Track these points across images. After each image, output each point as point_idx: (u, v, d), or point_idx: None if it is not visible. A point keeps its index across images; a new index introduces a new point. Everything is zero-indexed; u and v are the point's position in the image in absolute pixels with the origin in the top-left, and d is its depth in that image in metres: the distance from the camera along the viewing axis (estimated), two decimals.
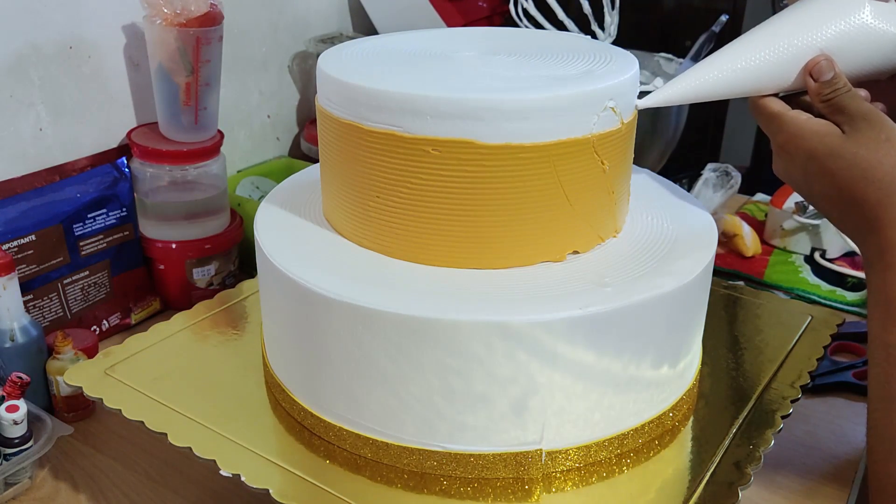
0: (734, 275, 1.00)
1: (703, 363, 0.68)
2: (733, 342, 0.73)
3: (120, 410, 0.61)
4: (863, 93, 0.58)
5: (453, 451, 0.55)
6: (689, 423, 0.62)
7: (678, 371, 0.60)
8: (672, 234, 0.62)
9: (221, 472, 0.54)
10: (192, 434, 0.59)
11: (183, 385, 0.65)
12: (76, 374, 0.66)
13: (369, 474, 0.56)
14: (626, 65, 0.59)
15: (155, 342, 0.71)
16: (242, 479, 0.54)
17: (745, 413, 0.62)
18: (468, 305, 0.52)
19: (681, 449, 0.59)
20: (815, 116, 0.57)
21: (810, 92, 0.58)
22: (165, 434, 0.59)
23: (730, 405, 0.64)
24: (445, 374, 0.52)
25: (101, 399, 0.63)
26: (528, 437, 0.55)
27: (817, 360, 0.70)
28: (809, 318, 0.77)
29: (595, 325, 0.52)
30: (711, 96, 0.61)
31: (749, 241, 1.04)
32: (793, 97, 0.60)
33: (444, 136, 0.53)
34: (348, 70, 0.57)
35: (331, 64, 0.59)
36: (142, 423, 0.60)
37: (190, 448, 0.57)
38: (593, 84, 0.55)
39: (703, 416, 0.63)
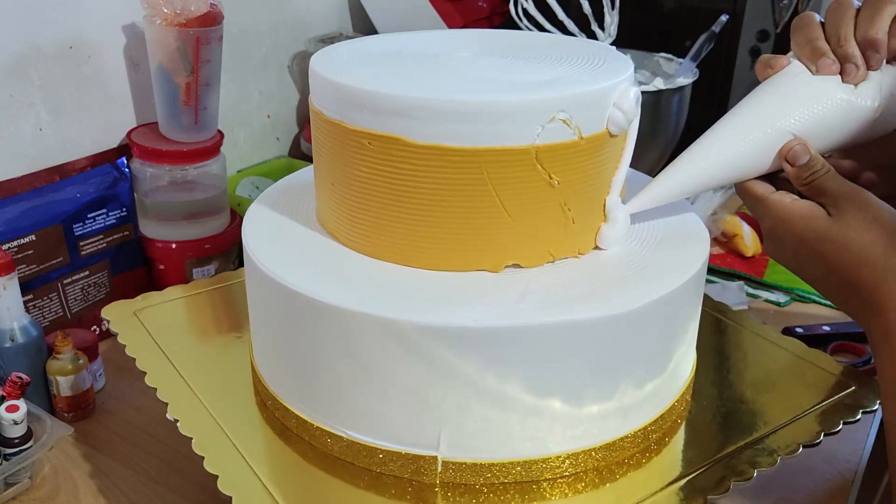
0: (734, 275, 1.00)
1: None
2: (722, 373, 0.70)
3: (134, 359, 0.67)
4: (846, 163, 0.56)
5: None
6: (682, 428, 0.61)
7: (591, 412, 0.55)
8: (644, 261, 0.58)
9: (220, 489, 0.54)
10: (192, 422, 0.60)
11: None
12: (111, 310, 0.73)
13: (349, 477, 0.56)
14: (605, 75, 0.56)
15: (189, 294, 0.77)
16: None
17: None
18: (373, 300, 0.52)
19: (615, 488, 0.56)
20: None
21: (790, 176, 0.56)
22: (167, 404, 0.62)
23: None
24: (343, 363, 0.54)
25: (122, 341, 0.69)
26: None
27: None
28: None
29: (490, 339, 0.51)
30: (693, 191, 0.60)
31: (749, 241, 1.04)
32: (776, 175, 0.58)
33: (378, 131, 0.53)
34: (328, 67, 0.58)
35: (318, 61, 0.60)
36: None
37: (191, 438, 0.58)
38: (543, 93, 0.52)
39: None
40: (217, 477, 0.53)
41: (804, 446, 0.59)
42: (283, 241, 0.61)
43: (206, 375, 0.65)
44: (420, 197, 0.54)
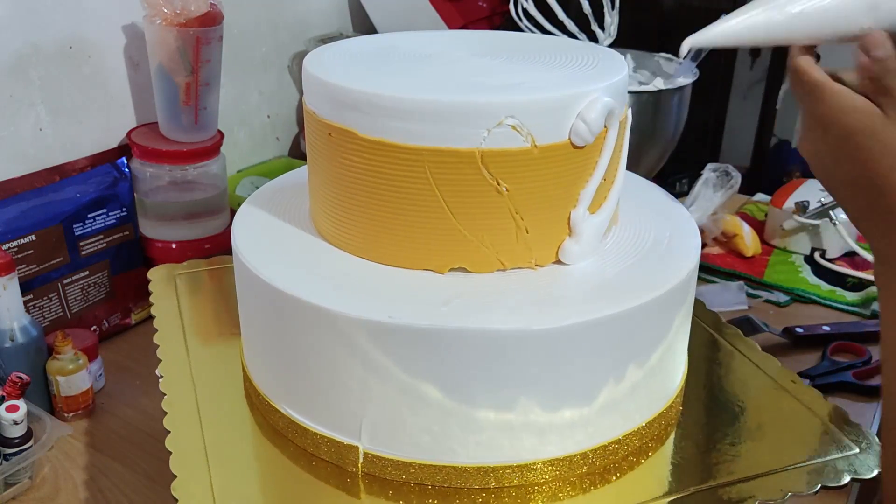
0: (734, 275, 1.00)
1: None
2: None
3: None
4: None
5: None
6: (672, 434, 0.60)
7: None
8: (605, 280, 0.56)
9: None
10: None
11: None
12: (156, 272, 0.80)
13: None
14: (576, 82, 0.54)
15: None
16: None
17: None
18: (311, 288, 0.54)
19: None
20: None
21: (859, 66, 0.53)
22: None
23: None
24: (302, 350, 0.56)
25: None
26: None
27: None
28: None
29: (403, 337, 0.51)
30: (764, 39, 0.56)
31: (749, 241, 1.04)
32: (833, 74, 0.56)
33: (337, 123, 0.55)
34: (315, 62, 0.59)
35: (310, 58, 0.60)
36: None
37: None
38: (492, 97, 0.52)
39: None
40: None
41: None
42: (268, 240, 0.62)
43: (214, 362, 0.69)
44: (371, 190, 0.55)
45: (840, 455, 0.59)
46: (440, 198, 0.53)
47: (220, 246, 0.93)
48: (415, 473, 0.55)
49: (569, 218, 0.56)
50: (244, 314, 0.64)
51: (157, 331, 0.71)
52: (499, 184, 0.53)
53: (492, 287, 0.55)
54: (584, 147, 0.54)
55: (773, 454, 0.60)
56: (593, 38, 1.06)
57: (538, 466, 0.55)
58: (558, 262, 0.57)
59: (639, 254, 0.59)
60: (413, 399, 0.53)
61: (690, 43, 0.55)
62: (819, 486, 0.56)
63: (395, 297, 0.54)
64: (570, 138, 0.53)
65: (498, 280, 0.56)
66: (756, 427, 0.63)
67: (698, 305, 0.77)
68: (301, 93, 1.20)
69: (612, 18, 1.06)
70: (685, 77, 1.04)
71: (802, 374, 0.79)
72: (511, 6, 1.07)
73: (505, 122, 0.51)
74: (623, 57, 0.62)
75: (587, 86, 0.54)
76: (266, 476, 0.58)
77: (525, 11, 1.06)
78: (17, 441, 0.64)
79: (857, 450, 0.60)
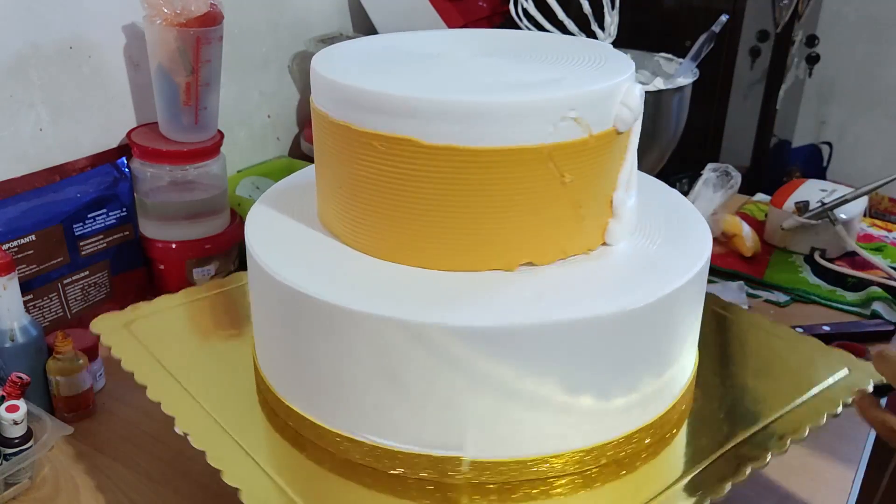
0: (734, 275, 1.00)
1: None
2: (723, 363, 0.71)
3: (133, 373, 0.65)
4: None
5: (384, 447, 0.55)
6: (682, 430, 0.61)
7: (615, 405, 0.56)
8: (651, 257, 0.59)
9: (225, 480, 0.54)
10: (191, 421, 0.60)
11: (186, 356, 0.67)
12: (100, 322, 0.71)
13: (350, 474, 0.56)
14: (610, 73, 0.57)
15: (183, 303, 0.75)
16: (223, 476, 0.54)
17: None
18: (396, 304, 0.52)
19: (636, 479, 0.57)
20: None
21: None
22: (160, 403, 0.61)
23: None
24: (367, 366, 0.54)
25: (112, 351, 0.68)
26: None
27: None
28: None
29: (512, 338, 0.51)
30: None
31: (749, 241, 1.04)
32: None
33: (389, 133, 0.53)
34: (332, 68, 0.58)
35: (321, 63, 0.60)
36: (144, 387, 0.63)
37: (187, 435, 0.58)
38: (553, 92, 0.53)
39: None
40: (238, 490, 0.53)
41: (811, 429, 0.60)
42: (288, 245, 0.61)
43: (209, 383, 0.65)
44: (433, 198, 0.54)
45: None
46: (510, 196, 0.54)
47: (221, 246, 0.93)
48: (524, 470, 0.55)
49: (611, 201, 0.59)
50: (302, 346, 0.58)
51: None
52: (563, 176, 0.54)
53: (565, 276, 0.56)
54: (623, 133, 0.57)
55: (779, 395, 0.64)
56: (593, 38, 1.06)
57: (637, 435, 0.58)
58: (603, 244, 0.60)
59: (662, 233, 0.62)
60: (510, 396, 0.53)
61: None
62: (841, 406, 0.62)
63: (478, 300, 0.53)
64: (614, 125, 0.56)
65: (564, 269, 0.57)
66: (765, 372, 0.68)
67: None
68: (301, 93, 1.20)
69: (612, 18, 1.06)
70: (685, 77, 1.04)
71: None
72: (511, 6, 1.07)
73: (568, 116, 0.53)
74: (623, 52, 0.63)
75: (622, 75, 0.56)
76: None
77: (525, 11, 1.06)
78: (17, 441, 0.64)
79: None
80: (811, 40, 1.87)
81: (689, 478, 0.55)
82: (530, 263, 0.56)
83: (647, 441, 0.58)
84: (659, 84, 1.00)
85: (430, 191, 0.54)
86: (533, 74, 0.57)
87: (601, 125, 0.55)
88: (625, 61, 0.60)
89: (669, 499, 0.54)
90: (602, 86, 0.54)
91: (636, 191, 0.61)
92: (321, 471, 0.57)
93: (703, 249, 0.60)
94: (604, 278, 0.56)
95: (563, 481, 0.55)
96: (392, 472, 0.56)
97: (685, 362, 0.62)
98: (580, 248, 0.58)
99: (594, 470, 0.56)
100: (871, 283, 0.97)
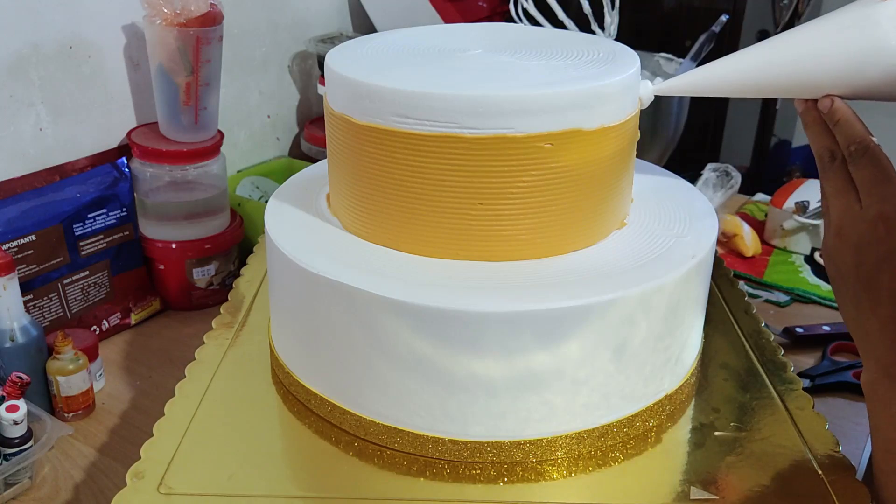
0: (734, 275, 1.00)
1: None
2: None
3: None
4: None
5: (462, 440, 0.56)
6: (686, 414, 0.62)
7: (672, 367, 0.60)
8: (674, 231, 0.62)
9: None
10: None
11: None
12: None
13: (371, 457, 0.57)
14: (623, 67, 0.59)
15: None
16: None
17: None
18: (469, 296, 0.53)
19: (677, 441, 0.59)
20: None
21: None
22: None
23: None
24: (417, 357, 0.54)
25: None
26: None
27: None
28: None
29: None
30: (732, 88, 0.58)
31: (749, 241, 1.04)
32: None
33: (429, 132, 0.54)
34: (348, 66, 0.59)
35: (335, 60, 0.61)
36: None
37: None
38: (588, 83, 0.55)
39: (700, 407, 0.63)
40: None
41: None
42: (310, 240, 0.61)
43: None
44: (468, 191, 0.55)
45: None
46: (559, 183, 0.56)
47: (220, 246, 0.93)
48: (588, 443, 0.57)
49: (621, 190, 0.62)
50: (339, 339, 0.59)
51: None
52: (609, 157, 0.58)
53: (613, 253, 0.59)
54: (632, 123, 0.60)
55: None
56: None
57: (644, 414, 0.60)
58: (611, 232, 0.62)
59: (664, 223, 0.64)
60: (581, 373, 0.55)
61: (656, 90, 0.61)
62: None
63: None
64: (637, 110, 0.60)
65: (604, 248, 0.60)
66: None
67: None
68: (301, 93, 1.20)
69: (612, 18, 1.06)
70: None
71: (802, 374, 0.79)
72: (511, 6, 1.07)
73: (588, 106, 0.55)
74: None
75: (632, 68, 0.59)
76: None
77: (525, 11, 1.06)
78: (17, 441, 0.64)
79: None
80: None
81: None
82: (542, 253, 0.58)
83: (652, 423, 0.60)
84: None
85: (468, 184, 0.55)
86: (558, 72, 0.58)
87: (626, 111, 0.58)
88: (629, 54, 0.62)
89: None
90: (625, 77, 0.57)
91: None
92: (335, 450, 0.58)
93: (707, 238, 0.62)
94: (611, 262, 0.58)
95: (566, 464, 0.57)
96: (403, 451, 0.57)
97: (692, 345, 0.63)
98: (617, 224, 0.62)
99: (599, 452, 0.57)
100: None
